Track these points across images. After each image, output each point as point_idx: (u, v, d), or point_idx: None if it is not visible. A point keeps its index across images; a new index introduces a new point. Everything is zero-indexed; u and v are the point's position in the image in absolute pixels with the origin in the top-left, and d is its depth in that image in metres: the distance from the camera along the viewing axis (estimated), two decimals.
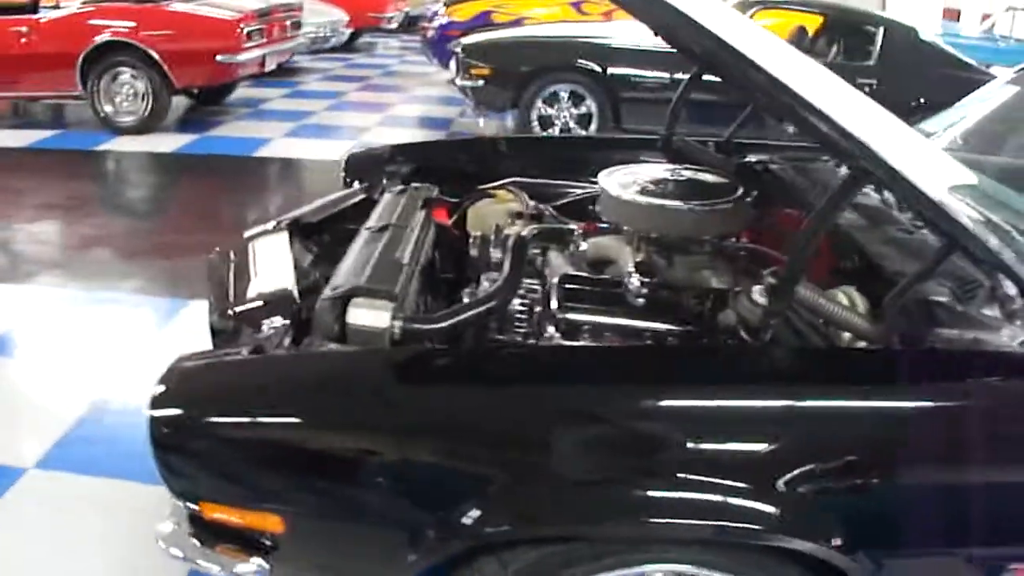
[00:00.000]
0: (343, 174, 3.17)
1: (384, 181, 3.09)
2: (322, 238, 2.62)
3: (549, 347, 2.16)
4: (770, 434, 1.69)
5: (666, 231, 2.42)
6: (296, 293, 2.07)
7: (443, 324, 2.00)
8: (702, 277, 2.39)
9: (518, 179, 3.23)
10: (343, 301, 1.94)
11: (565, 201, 3.04)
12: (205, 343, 2.13)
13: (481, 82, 7.86)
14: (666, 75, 7.70)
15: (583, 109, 7.84)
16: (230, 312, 2.05)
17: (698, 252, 2.46)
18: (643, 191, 2.46)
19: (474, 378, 1.82)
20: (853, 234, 2.37)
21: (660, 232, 2.42)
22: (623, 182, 2.52)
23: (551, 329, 2.23)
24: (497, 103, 8.13)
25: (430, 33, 11.12)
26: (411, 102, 10.65)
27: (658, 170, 2.65)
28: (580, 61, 7.78)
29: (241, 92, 9.94)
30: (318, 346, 1.88)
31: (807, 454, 1.67)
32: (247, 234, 2.47)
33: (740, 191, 2.47)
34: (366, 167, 3.20)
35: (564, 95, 7.82)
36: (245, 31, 8.28)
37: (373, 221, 2.49)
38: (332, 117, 9.56)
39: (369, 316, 1.91)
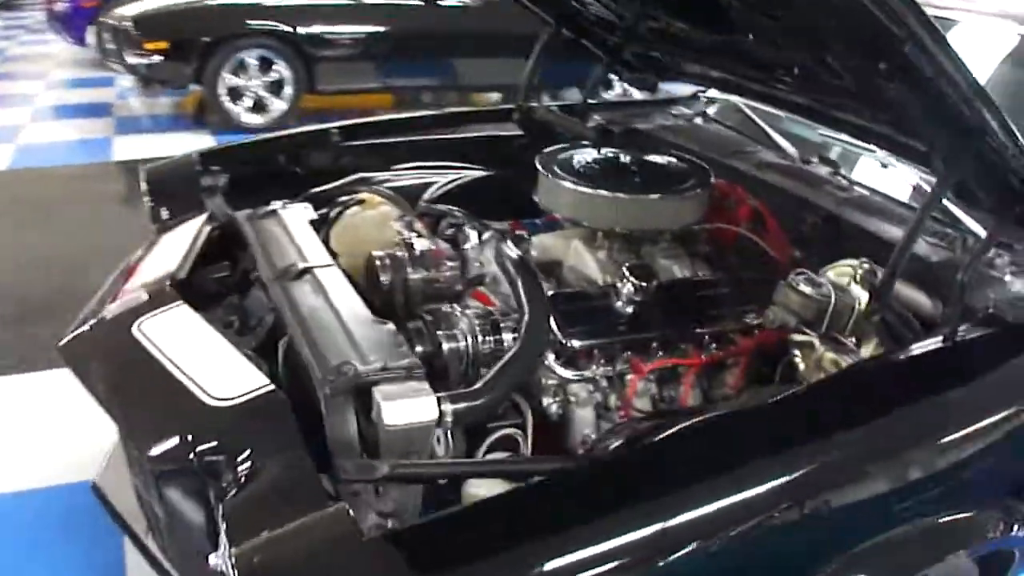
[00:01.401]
0: (147, 198, 2.40)
1: (205, 199, 2.39)
2: (209, 301, 1.92)
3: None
4: None
5: (637, 225, 2.03)
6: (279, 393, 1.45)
7: (493, 396, 1.49)
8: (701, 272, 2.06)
9: (364, 175, 2.67)
10: (359, 394, 1.37)
11: (437, 193, 2.53)
12: None
13: (157, 58, 6.76)
14: (363, 29, 7.17)
15: (274, 75, 7.07)
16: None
17: (667, 244, 2.11)
18: (598, 180, 2.04)
19: None
20: (810, 199, 2.18)
21: (631, 227, 2.03)
22: (569, 170, 2.09)
23: (551, 357, 1.79)
24: (178, 79, 7.08)
25: (58, 7, 9.45)
26: (58, 88, 9.04)
27: (594, 153, 2.24)
28: (266, 23, 6.95)
29: None
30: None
31: None
32: (111, 316, 1.72)
33: (702, 173, 2.14)
34: (174, 184, 2.46)
35: (252, 62, 6.98)
36: None
37: (272, 265, 1.86)
38: None
39: (411, 409, 1.37)
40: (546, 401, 1.83)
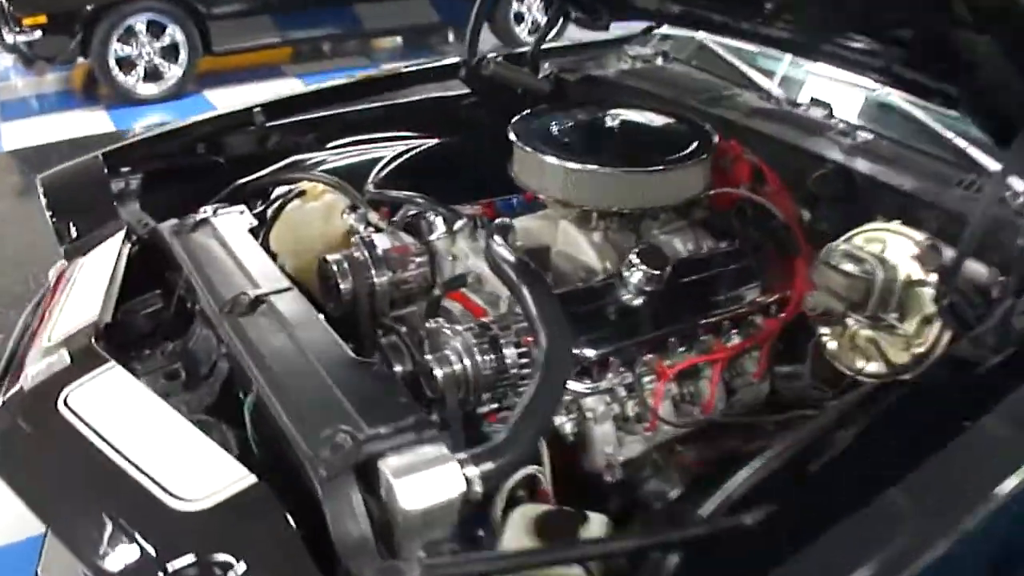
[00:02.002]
0: (49, 213, 2.01)
1: (118, 207, 2.02)
2: (144, 344, 1.57)
3: None
4: None
5: (639, 203, 1.72)
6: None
7: (522, 449, 1.21)
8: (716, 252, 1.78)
9: (297, 158, 2.32)
10: (362, 470, 1.07)
11: (384, 173, 2.20)
12: None
13: (37, 33, 6.09)
14: None
15: (166, 40, 6.48)
16: None
17: (667, 217, 1.82)
18: (588, 153, 1.74)
19: None
20: (811, 149, 1.91)
21: (633, 206, 1.72)
22: (550, 141, 1.77)
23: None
24: (63, 54, 6.40)
25: None
26: None
27: (576, 116, 1.91)
28: None
29: None
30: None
31: None
32: (30, 387, 1.36)
33: (702, 135, 1.84)
34: (78, 194, 2.07)
35: (141, 28, 6.37)
36: None
37: (215, 294, 1.53)
38: None
39: (432, 483, 1.08)
40: (558, 421, 1.56)
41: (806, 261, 1.79)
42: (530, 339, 1.51)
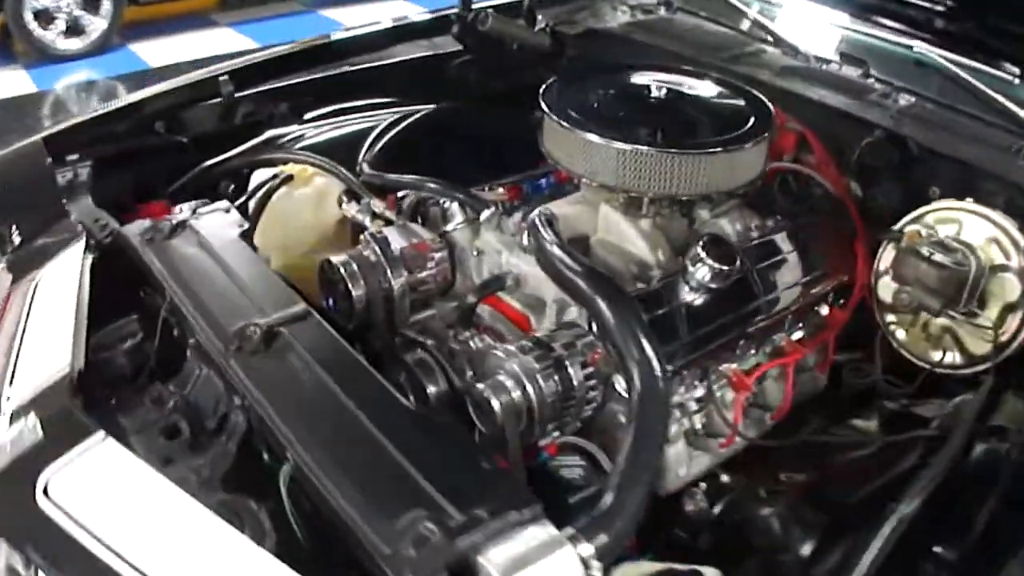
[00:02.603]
0: None
1: (68, 204, 1.70)
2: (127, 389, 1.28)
3: None
4: None
5: (699, 190, 1.44)
6: None
7: (632, 513, 0.98)
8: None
9: (274, 134, 2.01)
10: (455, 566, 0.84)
11: (376, 149, 1.91)
12: None
13: None
14: None
15: None
16: None
17: (722, 201, 1.58)
18: (638, 130, 1.47)
19: None
20: (856, 114, 1.69)
21: (692, 193, 1.45)
22: (592, 115, 1.49)
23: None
24: None
25: None
26: None
27: (615, 83, 1.63)
28: None
29: None
30: None
31: None
32: None
33: (760, 107, 1.57)
34: (18, 189, 1.75)
35: None
36: None
37: (215, 325, 1.24)
38: None
39: (546, 574, 0.84)
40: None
41: (863, 241, 1.59)
42: (597, 355, 1.27)
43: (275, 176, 1.71)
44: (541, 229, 1.34)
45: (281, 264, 1.70)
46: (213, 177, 1.94)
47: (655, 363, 1.11)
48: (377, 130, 1.95)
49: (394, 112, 2.06)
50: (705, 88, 1.60)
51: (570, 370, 1.24)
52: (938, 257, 1.37)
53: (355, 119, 2.04)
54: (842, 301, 1.60)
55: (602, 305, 1.18)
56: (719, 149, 1.41)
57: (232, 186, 1.90)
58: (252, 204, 1.72)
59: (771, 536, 1.28)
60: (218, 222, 1.51)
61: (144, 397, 1.28)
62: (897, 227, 1.57)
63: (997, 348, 1.46)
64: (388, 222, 1.61)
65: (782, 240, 1.56)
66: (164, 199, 1.86)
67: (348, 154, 1.86)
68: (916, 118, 1.67)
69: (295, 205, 1.72)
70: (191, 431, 1.22)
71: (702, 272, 1.37)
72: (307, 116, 2.03)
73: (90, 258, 1.47)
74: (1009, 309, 1.44)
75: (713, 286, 1.38)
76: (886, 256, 1.59)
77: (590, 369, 1.26)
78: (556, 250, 1.29)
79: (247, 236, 1.52)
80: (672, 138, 1.41)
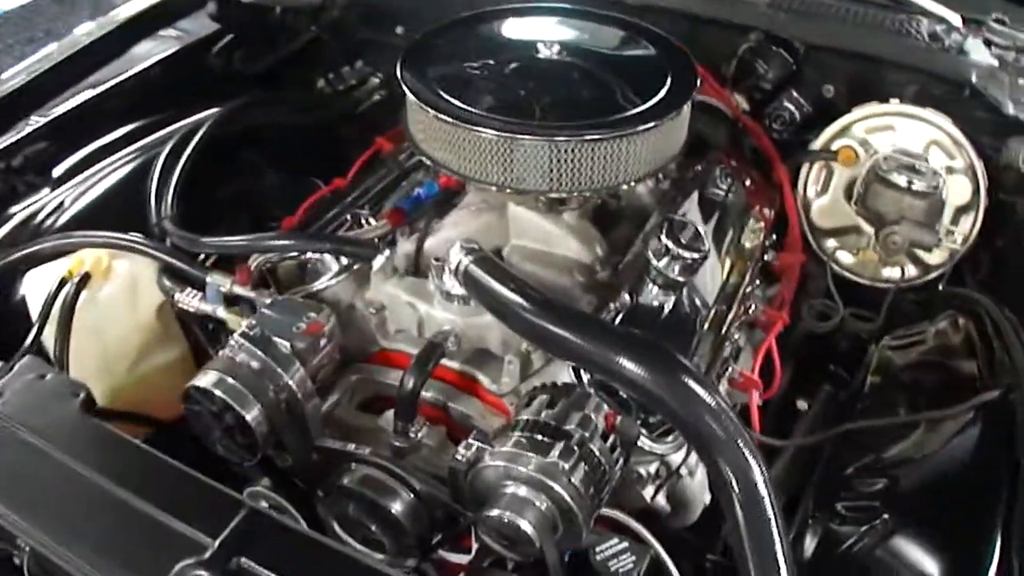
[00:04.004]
0: None
1: None
2: None
3: None
4: None
5: (627, 177, 1.13)
6: None
7: None
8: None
9: (27, 211, 1.50)
10: None
11: (169, 200, 1.43)
12: None
13: None
14: None
15: None
16: None
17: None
18: (540, 109, 1.14)
19: None
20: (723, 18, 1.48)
21: (620, 179, 1.13)
22: (476, 96, 1.14)
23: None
24: None
25: None
26: None
27: (489, 48, 1.25)
28: None
29: None
30: None
31: None
32: None
33: (677, 57, 1.26)
34: None
35: None
36: None
37: None
38: None
39: None
40: (648, 494, 1.08)
41: (782, 170, 1.41)
42: (611, 418, 0.99)
43: (62, 283, 1.21)
44: (491, 282, 0.99)
45: (106, 391, 1.25)
46: None
47: (750, 457, 0.82)
48: (157, 169, 1.46)
49: (166, 134, 1.56)
50: (598, 35, 1.29)
51: (594, 450, 0.95)
52: (919, 185, 1.20)
53: (122, 159, 1.52)
54: (774, 237, 1.41)
55: (659, 379, 0.86)
56: (665, 118, 1.13)
57: None
58: (53, 330, 1.21)
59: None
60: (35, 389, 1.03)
61: None
62: (819, 144, 1.39)
63: (951, 254, 1.34)
64: (248, 305, 1.19)
65: (715, 194, 1.33)
66: None
67: (133, 211, 1.39)
68: (793, 12, 1.48)
69: (105, 312, 1.24)
70: None
71: (671, 266, 1.10)
72: (56, 173, 1.48)
73: None
74: (962, 211, 1.32)
75: (681, 279, 1.12)
76: (813, 178, 1.41)
77: (612, 438, 0.98)
78: (554, 314, 0.95)
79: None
80: (610, 118, 1.11)
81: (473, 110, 1.12)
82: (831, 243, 1.41)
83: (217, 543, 0.84)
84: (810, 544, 1.02)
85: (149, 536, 0.87)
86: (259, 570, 0.81)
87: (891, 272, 1.38)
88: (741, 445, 0.81)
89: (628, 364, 0.86)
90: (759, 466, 0.80)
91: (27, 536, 0.89)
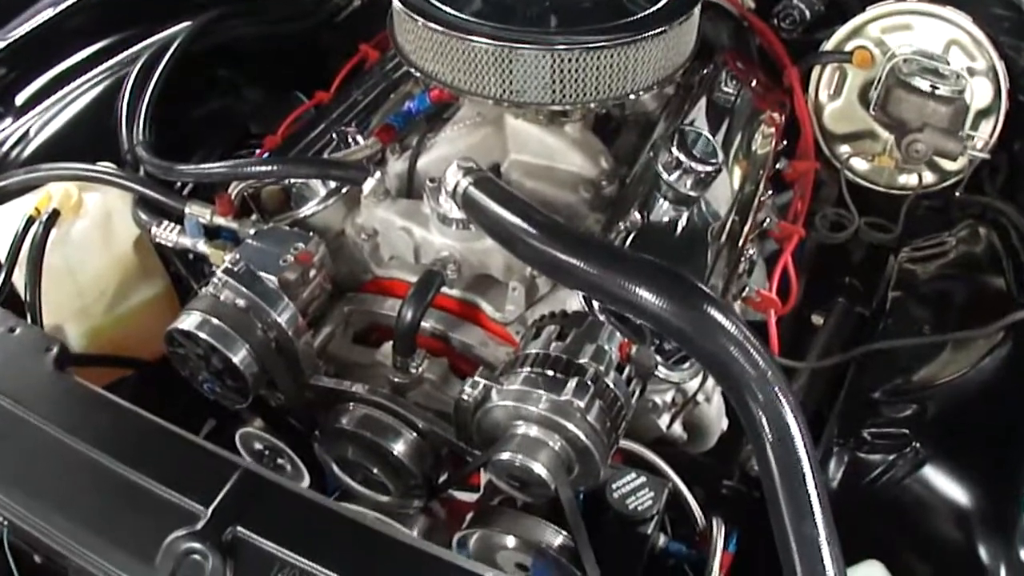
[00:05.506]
0: None
1: None
2: None
3: None
4: None
5: (636, 84, 1.02)
6: None
7: None
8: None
9: None
10: None
11: (142, 128, 1.30)
12: None
13: None
14: None
15: None
16: None
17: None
18: (541, 21, 1.01)
19: None
20: None
21: (629, 88, 1.02)
22: (493, 11, 1.01)
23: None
24: None
25: None
26: None
27: None
28: None
29: None
30: None
31: None
32: None
33: None
34: None
35: None
36: None
37: None
38: None
39: None
40: (664, 423, 1.00)
41: (793, 72, 1.28)
42: (625, 346, 0.89)
43: (30, 221, 1.09)
44: (494, 206, 0.88)
45: (85, 333, 1.15)
46: None
47: (782, 396, 0.72)
48: (127, 91, 1.32)
49: (135, 53, 1.42)
50: None
51: (609, 384, 0.86)
52: (943, 90, 1.09)
53: (88, 83, 1.38)
54: (785, 143, 1.30)
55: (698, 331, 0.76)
56: (675, 22, 1.00)
57: None
58: (22, 274, 1.10)
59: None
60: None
61: None
62: (831, 44, 1.26)
63: (971, 161, 1.24)
64: (234, 237, 1.08)
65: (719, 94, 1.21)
66: None
67: (103, 138, 1.26)
68: None
69: (78, 250, 1.13)
70: None
71: (683, 180, 0.99)
72: (19, 101, 1.34)
73: None
74: (982, 115, 1.21)
75: (694, 194, 1.01)
76: (825, 81, 1.29)
77: (628, 369, 0.89)
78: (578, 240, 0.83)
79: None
80: (615, 24, 0.98)
81: (466, 17, 1.00)
82: (844, 149, 1.31)
83: (210, 511, 0.77)
84: (836, 472, 0.95)
85: (135, 505, 0.80)
86: (256, 539, 0.73)
87: (908, 179, 1.28)
88: (772, 381, 0.72)
89: (647, 295, 0.76)
90: (791, 405, 0.71)
91: (2, 509, 0.82)
